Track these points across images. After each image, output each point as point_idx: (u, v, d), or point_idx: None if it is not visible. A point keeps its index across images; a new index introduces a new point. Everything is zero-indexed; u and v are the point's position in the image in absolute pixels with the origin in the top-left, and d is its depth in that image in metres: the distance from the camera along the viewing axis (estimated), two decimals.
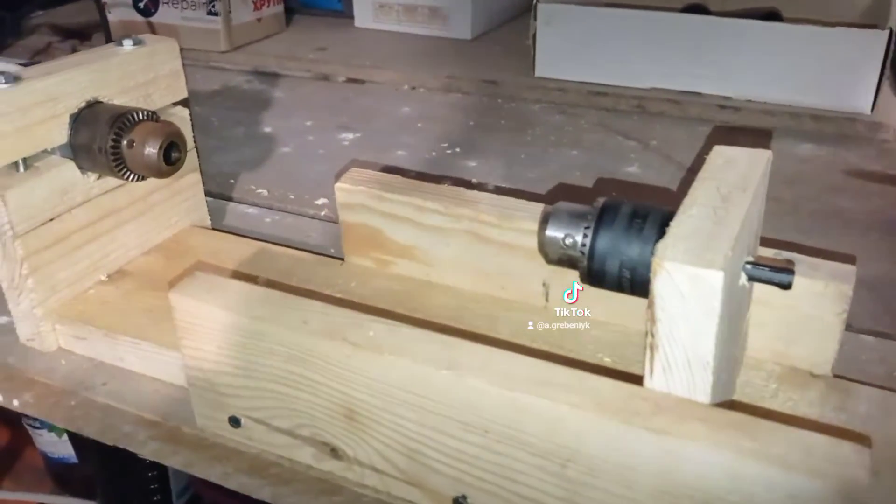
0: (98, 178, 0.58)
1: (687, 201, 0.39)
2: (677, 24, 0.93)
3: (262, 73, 1.16)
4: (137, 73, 0.60)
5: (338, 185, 0.59)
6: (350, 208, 0.60)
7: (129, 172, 0.56)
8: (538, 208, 0.55)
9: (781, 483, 0.33)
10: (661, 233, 0.41)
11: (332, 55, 1.16)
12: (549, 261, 0.44)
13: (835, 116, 0.88)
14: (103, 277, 0.60)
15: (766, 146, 0.89)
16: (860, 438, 0.43)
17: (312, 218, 0.76)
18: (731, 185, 0.41)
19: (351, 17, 1.32)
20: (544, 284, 0.55)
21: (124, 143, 0.54)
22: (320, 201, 0.78)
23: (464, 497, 0.43)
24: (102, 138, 0.54)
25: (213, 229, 0.70)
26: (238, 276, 0.60)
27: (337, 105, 1.04)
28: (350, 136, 0.94)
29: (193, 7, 1.18)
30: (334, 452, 0.46)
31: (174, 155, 0.56)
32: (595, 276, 0.42)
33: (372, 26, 1.29)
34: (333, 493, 0.46)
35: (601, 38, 0.97)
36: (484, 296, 0.57)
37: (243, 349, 0.45)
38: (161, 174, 0.56)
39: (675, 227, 0.37)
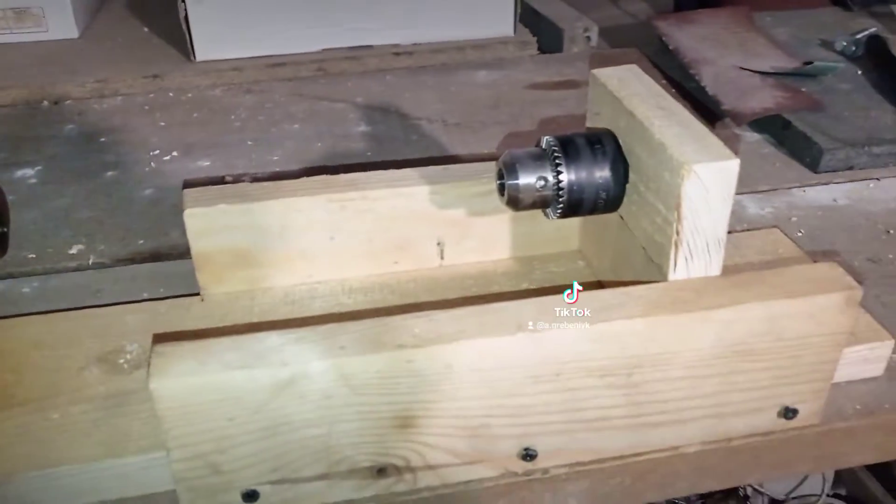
0: None
1: (642, 118, 0.44)
2: None
3: None
4: None
5: (188, 212, 0.51)
6: (207, 234, 0.52)
7: None
8: (413, 173, 0.55)
9: (805, 308, 0.42)
10: (619, 153, 0.46)
11: None
12: (520, 207, 0.46)
13: (490, 43, 1.00)
14: None
15: (447, 81, 0.98)
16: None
17: (80, 270, 0.63)
18: (649, 95, 0.47)
19: None
20: (439, 243, 0.56)
21: None
22: (74, 250, 0.65)
23: (529, 448, 0.44)
24: None
25: None
26: (102, 358, 0.49)
27: None
28: (30, 171, 0.78)
29: None
30: (381, 472, 0.43)
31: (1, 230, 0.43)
32: (573, 207, 0.46)
33: None
34: None
35: (261, 8, 0.94)
36: (386, 275, 0.56)
37: (265, 407, 0.39)
38: None
39: (664, 139, 0.42)
